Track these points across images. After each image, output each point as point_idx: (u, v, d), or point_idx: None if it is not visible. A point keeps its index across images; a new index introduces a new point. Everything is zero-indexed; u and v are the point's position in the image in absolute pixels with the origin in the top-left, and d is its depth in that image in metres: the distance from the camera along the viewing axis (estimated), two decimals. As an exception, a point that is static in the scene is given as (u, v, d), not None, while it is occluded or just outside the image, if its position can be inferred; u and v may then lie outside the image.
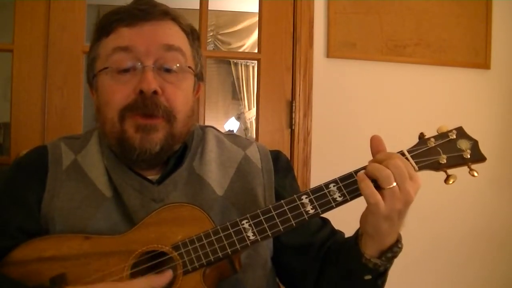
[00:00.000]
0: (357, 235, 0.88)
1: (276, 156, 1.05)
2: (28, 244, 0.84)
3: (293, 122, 1.86)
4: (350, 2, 1.90)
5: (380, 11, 1.92)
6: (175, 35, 0.94)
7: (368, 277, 0.87)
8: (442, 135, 0.87)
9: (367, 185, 0.78)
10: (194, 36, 0.99)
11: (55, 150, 0.98)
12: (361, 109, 1.92)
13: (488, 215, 2.02)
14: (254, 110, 3.84)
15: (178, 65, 0.92)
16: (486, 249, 2.02)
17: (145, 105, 0.88)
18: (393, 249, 0.85)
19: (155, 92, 0.88)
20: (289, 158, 1.77)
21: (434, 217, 1.97)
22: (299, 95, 1.86)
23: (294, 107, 1.86)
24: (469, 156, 0.84)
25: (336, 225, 1.03)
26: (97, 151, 0.97)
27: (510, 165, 2.05)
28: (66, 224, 0.89)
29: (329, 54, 1.89)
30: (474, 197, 2.01)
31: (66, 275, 0.80)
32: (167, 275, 0.80)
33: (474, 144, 0.86)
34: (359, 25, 1.91)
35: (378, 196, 0.77)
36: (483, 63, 2.01)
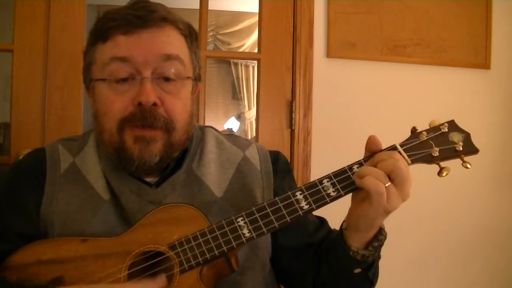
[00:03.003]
0: (341, 229, 0.89)
1: (275, 157, 1.05)
2: (27, 248, 0.85)
3: (293, 122, 1.86)
4: (350, 2, 1.90)
5: (380, 11, 1.92)
6: (173, 43, 0.92)
7: (357, 270, 0.88)
8: (434, 129, 0.87)
9: (368, 179, 0.79)
10: (192, 37, 0.97)
11: (53, 153, 0.97)
12: (361, 109, 1.92)
13: (489, 215, 2.02)
14: (254, 110, 3.84)
15: (176, 74, 0.91)
16: (486, 248, 2.02)
17: (144, 118, 0.87)
18: (378, 237, 0.86)
19: (154, 104, 0.88)
20: (289, 158, 1.77)
21: (434, 217, 1.97)
22: (299, 95, 1.86)
23: (294, 107, 1.86)
24: (461, 148, 0.85)
25: (333, 225, 1.03)
26: (95, 153, 0.97)
27: (510, 165, 2.05)
28: (65, 228, 0.89)
29: (329, 54, 1.89)
30: (475, 196, 2.01)
31: (64, 277, 0.81)
32: (162, 280, 0.80)
33: (466, 137, 0.86)
34: (359, 25, 1.91)
35: (383, 186, 0.79)
36: (483, 63, 2.01)
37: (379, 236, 0.86)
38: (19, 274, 0.82)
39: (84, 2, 1.73)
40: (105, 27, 0.91)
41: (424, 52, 1.96)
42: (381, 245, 0.88)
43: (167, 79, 0.90)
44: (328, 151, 1.88)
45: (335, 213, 0.97)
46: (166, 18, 0.91)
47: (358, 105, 1.92)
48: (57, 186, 0.93)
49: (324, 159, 1.87)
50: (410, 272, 1.93)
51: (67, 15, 1.70)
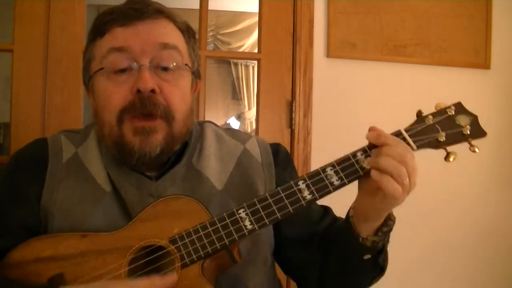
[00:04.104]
0: (348, 218, 0.88)
1: (276, 149, 1.05)
2: (26, 244, 0.84)
3: (293, 122, 1.86)
4: (350, 2, 1.90)
5: (380, 11, 1.92)
6: (170, 33, 0.93)
7: (367, 256, 0.87)
8: (440, 112, 0.85)
9: (389, 180, 0.77)
10: (189, 33, 0.98)
11: (55, 143, 0.97)
12: (361, 109, 1.92)
13: (492, 213, 2.02)
14: (254, 110, 3.84)
15: (174, 63, 0.92)
16: (490, 247, 2.01)
17: (143, 105, 0.87)
18: (388, 223, 0.86)
19: (152, 91, 0.87)
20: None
21: (437, 215, 1.96)
22: (299, 95, 1.86)
23: (294, 107, 1.86)
24: (468, 132, 0.82)
25: (338, 213, 1.03)
26: (96, 146, 0.97)
27: (511, 165, 2.04)
28: (65, 219, 0.89)
29: (329, 54, 1.89)
30: (477, 195, 2.00)
31: (64, 274, 0.80)
32: (171, 278, 0.78)
33: (474, 119, 0.84)
34: (359, 25, 1.90)
35: (400, 191, 0.77)
36: (483, 63, 2.00)
37: (388, 221, 0.85)
38: (18, 272, 0.81)
39: (84, 2, 1.73)
40: (102, 22, 0.92)
41: (424, 52, 1.95)
42: (390, 230, 0.87)
43: (165, 69, 0.91)
44: (328, 151, 1.86)
45: (339, 201, 0.95)
46: (162, 11, 0.93)
47: (358, 105, 1.92)
48: (58, 177, 0.93)
49: (324, 159, 1.84)
50: (411, 272, 1.93)
51: (67, 15, 1.70)
